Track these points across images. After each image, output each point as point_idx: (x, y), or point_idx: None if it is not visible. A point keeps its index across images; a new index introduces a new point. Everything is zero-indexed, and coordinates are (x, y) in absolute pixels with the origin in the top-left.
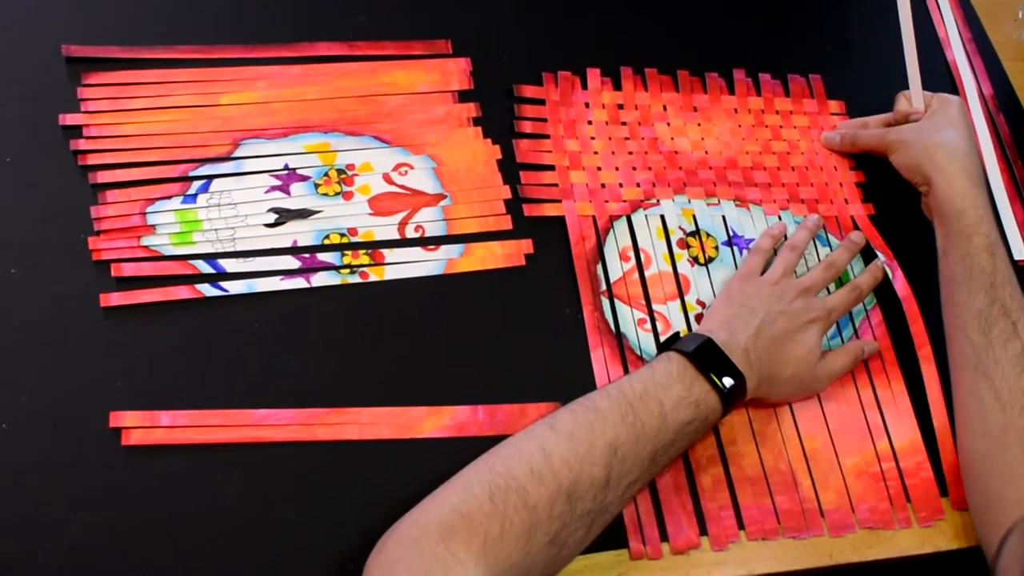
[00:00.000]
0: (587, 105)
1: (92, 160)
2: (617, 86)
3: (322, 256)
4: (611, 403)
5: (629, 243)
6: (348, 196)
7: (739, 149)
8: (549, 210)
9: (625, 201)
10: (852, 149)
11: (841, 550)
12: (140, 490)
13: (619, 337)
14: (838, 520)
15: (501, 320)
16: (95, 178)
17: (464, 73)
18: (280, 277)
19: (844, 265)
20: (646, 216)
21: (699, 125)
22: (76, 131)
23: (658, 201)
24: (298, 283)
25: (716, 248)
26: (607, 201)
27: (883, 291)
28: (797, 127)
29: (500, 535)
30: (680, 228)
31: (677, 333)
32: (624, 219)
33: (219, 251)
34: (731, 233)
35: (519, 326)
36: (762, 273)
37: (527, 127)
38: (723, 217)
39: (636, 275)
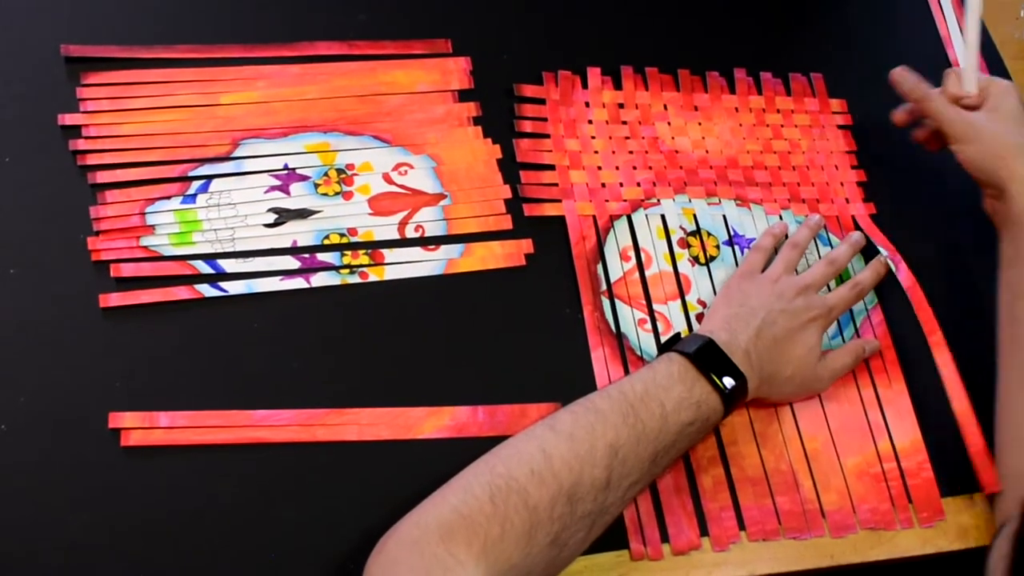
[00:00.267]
0: (587, 104)
1: (91, 160)
2: (617, 85)
3: (322, 256)
4: (612, 404)
5: (629, 243)
6: (348, 196)
7: (740, 148)
8: (549, 210)
9: (625, 200)
10: (914, 115)
11: (842, 551)
12: (140, 490)
13: (619, 337)
14: (839, 521)
15: (501, 320)
16: (94, 178)
17: (464, 72)
18: (280, 277)
19: (846, 261)
20: (646, 216)
21: (700, 124)
22: (75, 131)
23: (659, 200)
24: (298, 283)
25: (717, 247)
26: (607, 200)
27: (884, 290)
28: (798, 126)
29: (501, 536)
30: (681, 227)
31: (678, 334)
32: (624, 219)
33: (219, 251)
34: (732, 232)
35: (519, 326)
36: (763, 271)
37: (527, 126)
38: (724, 216)
39: (637, 275)
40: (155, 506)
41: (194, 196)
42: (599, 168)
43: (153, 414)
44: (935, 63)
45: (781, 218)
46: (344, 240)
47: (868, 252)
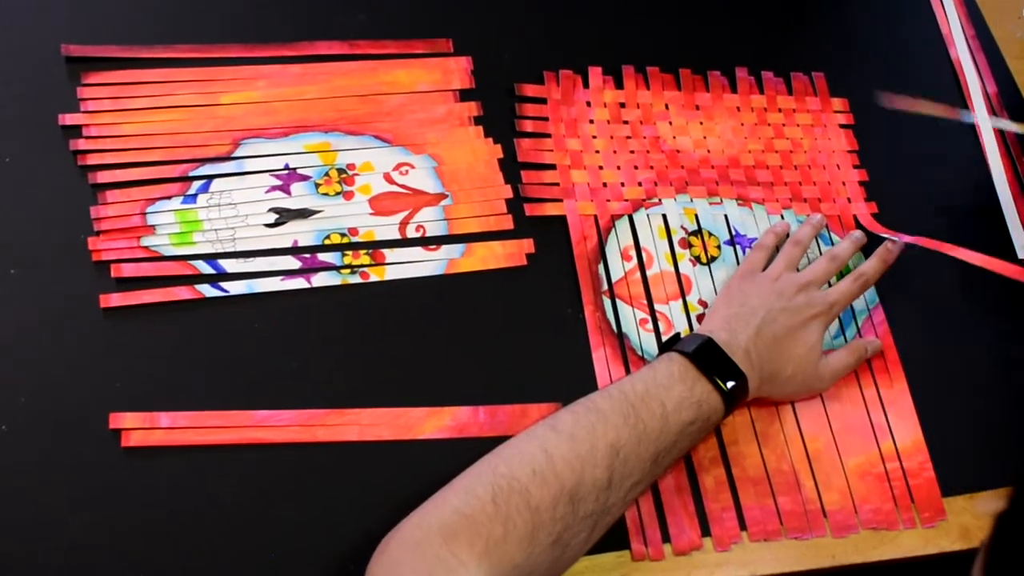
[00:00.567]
0: (588, 104)
1: (92, 160)
2: (619, 85)
3: (323, 256)
4: (613, 404)
5: (631, 242)
6: (349, 196)
7: (741, 148)
8: (550, 209)
9: (627, 200)
10: None
11: (844, 551)
12: (140, 491)
13: (621, 337)
14: (841, 521)
15: (502, 320)
16: (95, 178)
17: (465, 72)
18: (280, 277)
19: (848, 257)
20: (648, 215)
21: (701, 124)
22: (76, 131)
23: (660, 200)
24: (298, 283)
25: (718, 247)
26: (609, 200)
27: (885, 289)
28: (800, 125)
29: (503, 537)
30: (682, 227)
31: (678, 334)
32: (626, 218)
33: (219, 251)
34: (733, 232)
35: (520, 326)
36: (765, 269)
37: (528, 126)
38: (725, 216)
39: (638, 275)
40: (156, 506)
41: (195, 196)
42: (600, 168)
43: (154, 414)
44: (936, 62)
45: (783, 218)
46: (345, 240)
47: (869, 252)
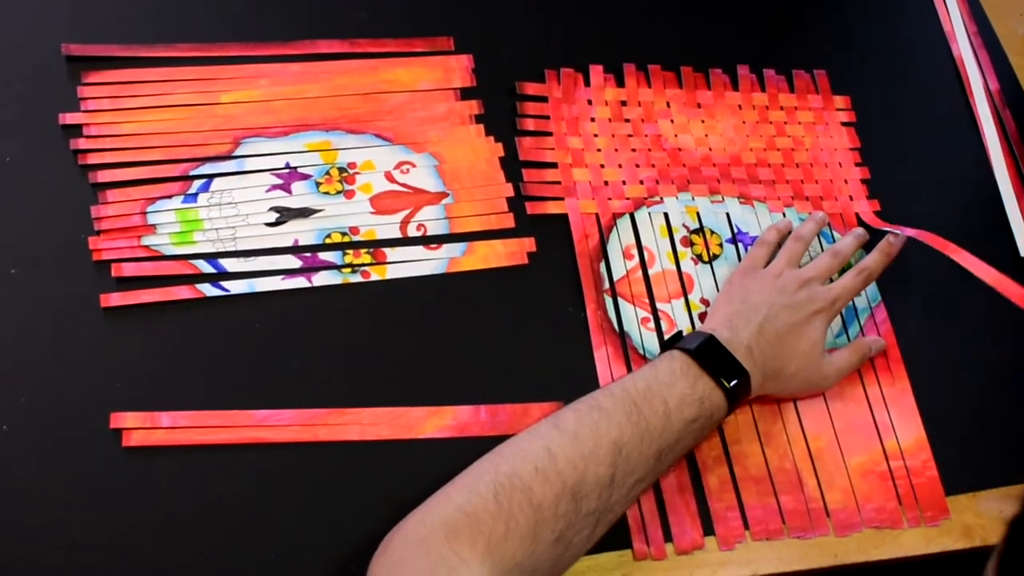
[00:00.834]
0: (590, 102)
1: (92, 159)
2: (620, 83)
3: (323, 255)
4: (615, 402)
5: (632, 241)
6: (350, 195)
7: (743, 146)
8: (552, 208)
9: (628, 199)
10: None
11: (846, 550)
12: (141, 491)
13: (622, 336)
14: (844, 520)
15: (503, 319)
16: (95, 177)
17: (466, 70)
18: (281, 276)
19: (850, 253)
20: (649, 214)
21: (703, 122)
22: (76, 130)
23: (661, 198)
24: (299, 282)
25: (720, 245)
26: (610, 199)
27: (888, 287)
28: (802, 123)
29: (505, 534)
30: (684, 226)
31: (680, 331)
32: (627, 217)
33: (220, 250)
34: (735, 230)
35: (522, 325)
36: (766, 266)
37: (529, 124)
38: (727, 214)
39: (639, 273)
40: (156, 506)
41: (195, 195)
42: (602, 166)
43: (154, 414)
44: (938, 59)
45: (784, 216)
46: (346, 239)
47: (871, 248)
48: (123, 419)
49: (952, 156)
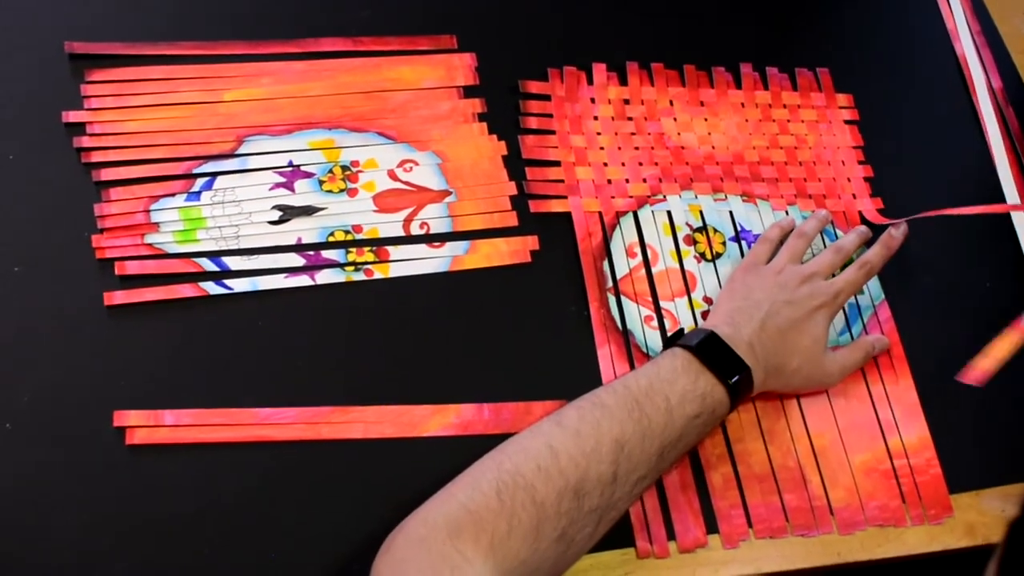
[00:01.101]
0: (593, 100)
1: (95, 157)
2: (623, 81)
3: (326, 253)
4: (617, 399)
5: (636, 239)
6: (353, 193)
7: (746, 144)
8: (555, 206)
9: (631, 197)
10: None
11: (850, 548)
12: (144, 489)
13: (626, 334)
14: (847, 518)
15: (506, 317)
16: (98, 175)
17: (469, 69)
18: (284, 275)
19: (853, 250)
20: (653, 212)
21: (706, 120)
22: (79, 128)
23: (665, 197)
24: (302, 281)
25: (723, 244)
26: (613, 197)
27: (891, 285)
28: (805, 121)
29: (508, 532)
30: (687, 224)
31: (682, 329)
32: (631, 215)
33: (223, 249)
34: (738, 228)
35: (525, 323)
36: (768, 262)
37: (533, 123)
38: (730, 212)
39: (643, 272)
40: (160, 504)
41: (199, 193)
42: (605, 164)
43: (158, 412)
44: (941, 57)
45: (788, 214)
46: (349, 237)
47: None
48: (126, 417)
49: (955, 154)
